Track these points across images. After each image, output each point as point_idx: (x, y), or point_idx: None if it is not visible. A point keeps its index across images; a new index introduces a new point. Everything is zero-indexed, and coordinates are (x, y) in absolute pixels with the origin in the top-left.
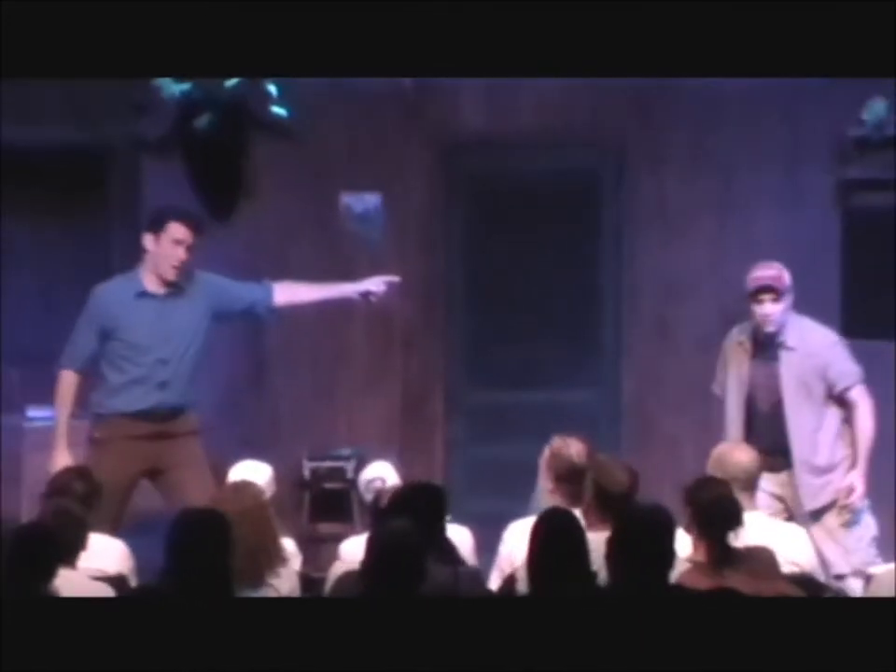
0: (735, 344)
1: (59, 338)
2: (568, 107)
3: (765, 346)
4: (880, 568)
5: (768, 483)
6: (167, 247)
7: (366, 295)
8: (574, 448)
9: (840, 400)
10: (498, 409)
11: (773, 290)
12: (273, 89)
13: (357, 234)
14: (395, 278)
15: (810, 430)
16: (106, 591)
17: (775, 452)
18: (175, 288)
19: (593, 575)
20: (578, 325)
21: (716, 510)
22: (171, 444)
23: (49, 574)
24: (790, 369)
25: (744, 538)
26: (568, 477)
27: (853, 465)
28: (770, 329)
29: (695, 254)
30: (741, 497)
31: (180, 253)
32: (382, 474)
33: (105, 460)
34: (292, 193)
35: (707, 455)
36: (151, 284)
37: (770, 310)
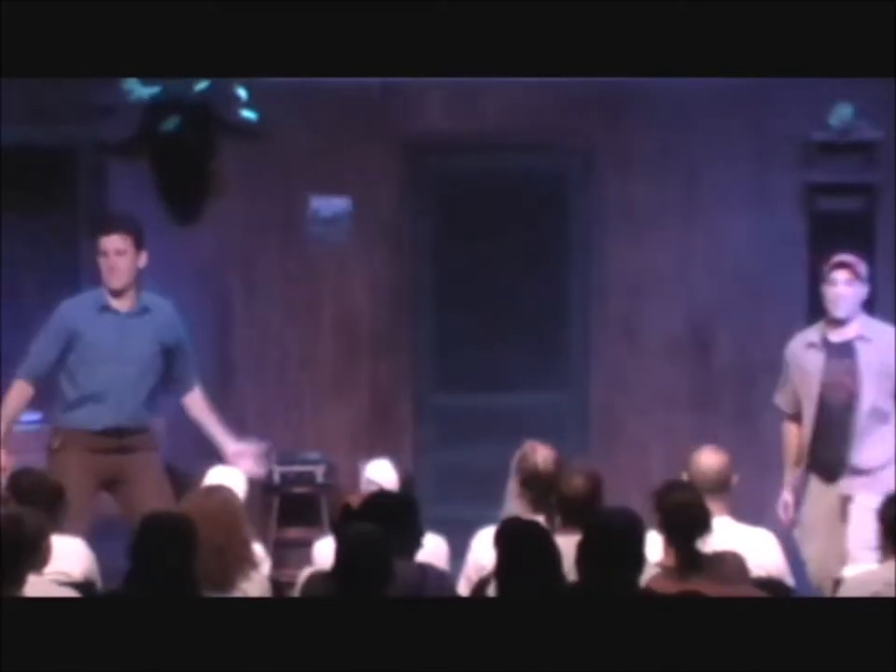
0: (804, 347)
1: (26, 342)
2: (534, 109)
3: (838, 343)
4: (851, 571)
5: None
6: (101, 261)
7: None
8: (541, 454)
9: None
10: (466, 412)
11: (847, 267)
12: (242, 92)
13: (323, 237)
14: (263, 447)
15: (874, 428)
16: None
17: (838, 463)
18: (135, 307)
19: (562, 579)
20: (545, 328)
21: (682, 515)
22: (129, 458)
23: (12, 579)
24: (868, 359)
25: (713, 542)
26: (531, 483)
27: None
28: (839, 314)
29: (662, 255)
30: (710, 501)
31: (111, 262)
32: (372, 476)
33: (64, 471)
34: (259, 195)
35: (675, 457)
36: (109, 299)
37: (843, 291)
